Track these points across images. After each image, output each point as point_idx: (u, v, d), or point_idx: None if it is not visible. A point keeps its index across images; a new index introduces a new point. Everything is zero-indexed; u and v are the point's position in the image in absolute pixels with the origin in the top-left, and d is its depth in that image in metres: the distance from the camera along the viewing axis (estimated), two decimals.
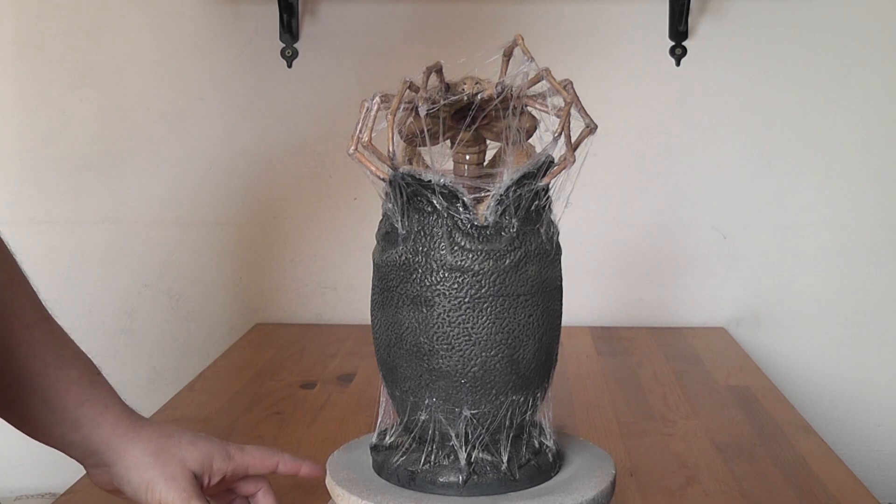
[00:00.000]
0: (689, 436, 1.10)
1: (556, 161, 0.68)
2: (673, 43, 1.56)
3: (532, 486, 0.72)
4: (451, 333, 0.68)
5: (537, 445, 0.73)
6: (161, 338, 1.66)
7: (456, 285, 0.67)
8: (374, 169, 0.66)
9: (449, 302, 0.67)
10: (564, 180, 0.68)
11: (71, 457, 0.74)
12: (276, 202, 1.64)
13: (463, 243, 0.67)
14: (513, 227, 0.68)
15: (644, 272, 1.63)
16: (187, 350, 1.66)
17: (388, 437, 0.73)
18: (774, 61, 1.56)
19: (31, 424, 0.73)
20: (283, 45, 1.58)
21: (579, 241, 1.59)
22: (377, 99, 0.66)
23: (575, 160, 0.67)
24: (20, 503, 1.65)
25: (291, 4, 1.56)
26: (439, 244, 0.67)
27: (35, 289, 0.74)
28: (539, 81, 0.68)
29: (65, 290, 1.63)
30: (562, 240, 0.72)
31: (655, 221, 1.61)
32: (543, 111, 0.68)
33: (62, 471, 0.93)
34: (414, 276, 0.68)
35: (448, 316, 0.68)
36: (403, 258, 0.68)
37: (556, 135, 0.67)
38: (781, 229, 1.60)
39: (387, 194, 0.68)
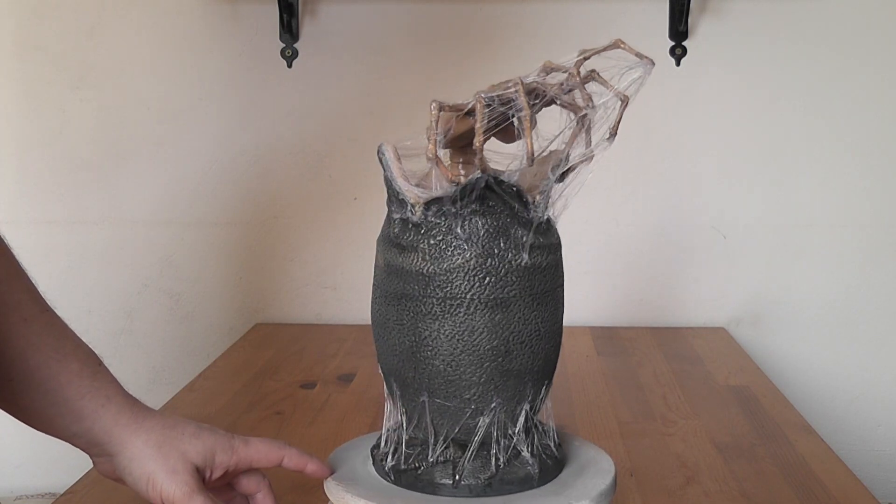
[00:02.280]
0: (689, 436, 1.10)
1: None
2: (673, 43, 1.56)
3: (566, 465, 0.74)
4: (524, 332, 0.68)
5: (553, 426, 0.75)
6: (161, 338, 1.66)
7: (530, 283, 0.68)
8: (449, 175, 0.66)
9: (524, 300, 0.68)
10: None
11: (75, 447, 0.74)
12: (276, 202, 1.64)
13: (533, 241, 0.68)
14: (556, 220, 0.71)
15: (644, 272, 1.63)
16: (187, 350, 1.66)
17: (432, 454, 0.70)
18: (774, 61, 1.56)
19: (34, 417, 0.72)
20: (283, 45, 1.58)
21: (579, 241, 1.59)
22: (482, 97, 0.65)
23: (594, 155, 0.70)
24: (20, 503, 1.65)
25: (291, 4, 1.56)
26: (512, 244, 0.68)
27: (34, 282, 0.74)
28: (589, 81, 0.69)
29: (64, 290, 1.63)
30: (562, 240, 0.74)
31: (655, 221, 1.61)
32: (577, 105, 0.70)
33: (62, 471, 0.93)
34: (488, 279, 0.67)
35: (523, 314, 0.68)
36: (473, 263, 0.67)
37: (612, 131, 0.69)
38: (781, 229, 1.60)
39: (442, 199, 0.66)
